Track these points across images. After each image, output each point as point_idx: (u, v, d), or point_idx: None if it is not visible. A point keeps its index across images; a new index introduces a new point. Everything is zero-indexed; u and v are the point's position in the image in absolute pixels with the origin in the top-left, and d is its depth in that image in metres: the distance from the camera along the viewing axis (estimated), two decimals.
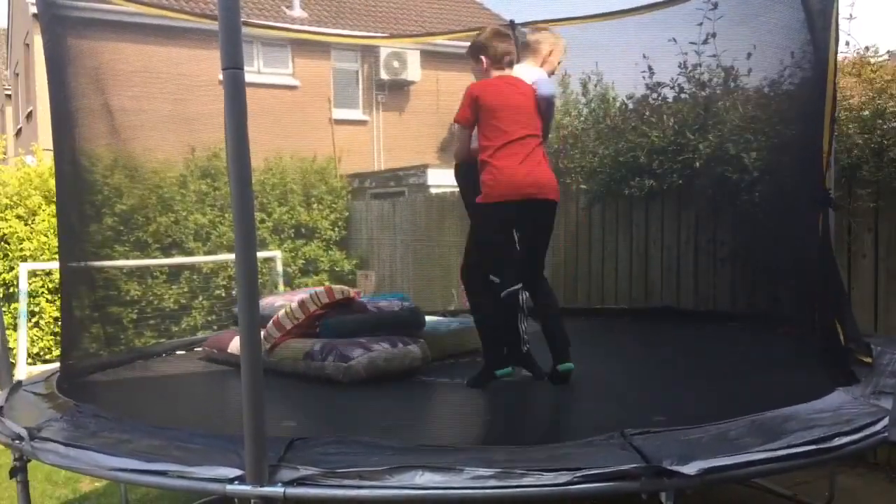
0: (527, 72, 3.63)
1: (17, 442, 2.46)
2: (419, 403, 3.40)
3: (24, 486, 2.64)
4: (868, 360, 2.98)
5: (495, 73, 3.44)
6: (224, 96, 1.89)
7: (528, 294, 3.57)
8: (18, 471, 2.61)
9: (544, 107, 3.43)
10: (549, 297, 3.51)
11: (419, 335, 3.90)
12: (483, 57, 3.45)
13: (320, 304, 3.95)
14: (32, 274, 6.85)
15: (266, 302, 4.32)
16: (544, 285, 3.53)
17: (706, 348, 3.95)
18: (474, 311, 3.58)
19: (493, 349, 3.44)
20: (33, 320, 7.11)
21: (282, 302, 4.51)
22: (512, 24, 5.64)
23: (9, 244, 7.26)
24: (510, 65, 3.50)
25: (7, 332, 3.25)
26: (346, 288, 4.19)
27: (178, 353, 4.62)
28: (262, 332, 3.71)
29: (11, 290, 7.05)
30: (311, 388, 3.54)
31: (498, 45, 3.47)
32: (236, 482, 1.96)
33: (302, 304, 3.96)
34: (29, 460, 2.56)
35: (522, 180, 3.27)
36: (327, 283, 8.09)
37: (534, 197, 3.29)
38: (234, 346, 4.04)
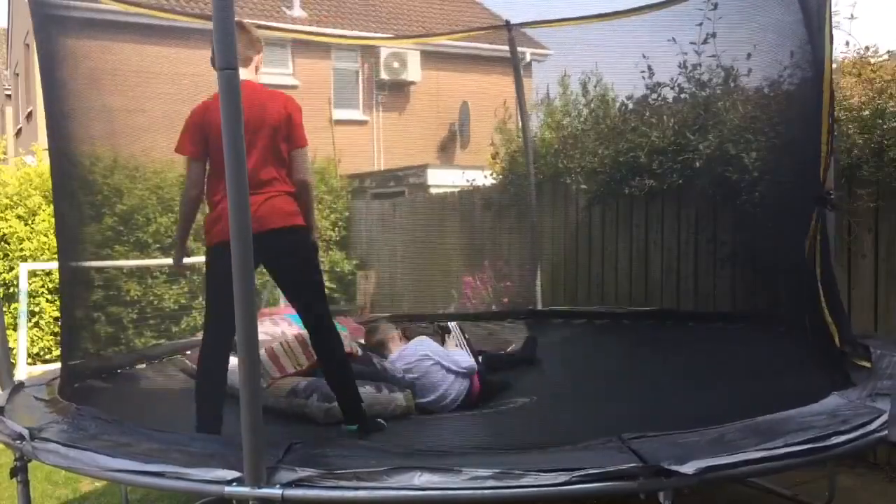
0: None
1: (19, 442, 2.46)
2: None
3: (25, 485, 2.65)
4: (867, 363, 2.93)
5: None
6: (219, 97, 1.89)
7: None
8: (19, 471, 2.62)
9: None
10: (330, 344, 3.08)
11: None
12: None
13: None
14: (32, 274, 6.84)
15: None
16: (323, 331, 3.09)
17: (700, 353, 3.94)
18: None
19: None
20: (33, 320, 7.11)
21: (263, 331, 4.07)
22: (508, 25, 5.63)
23: (9, 244, 7.26)
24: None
25: (7, 332, 3.24)
26: (351, 340, 3.96)
27: (177, 356, 4.60)
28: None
29: (11, 290, 7.05)
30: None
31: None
32: (234, 483, 1.96)
33: (306, 347, 3.76)
34: (30, 460, 2.56)
35: None
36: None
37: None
38: None
